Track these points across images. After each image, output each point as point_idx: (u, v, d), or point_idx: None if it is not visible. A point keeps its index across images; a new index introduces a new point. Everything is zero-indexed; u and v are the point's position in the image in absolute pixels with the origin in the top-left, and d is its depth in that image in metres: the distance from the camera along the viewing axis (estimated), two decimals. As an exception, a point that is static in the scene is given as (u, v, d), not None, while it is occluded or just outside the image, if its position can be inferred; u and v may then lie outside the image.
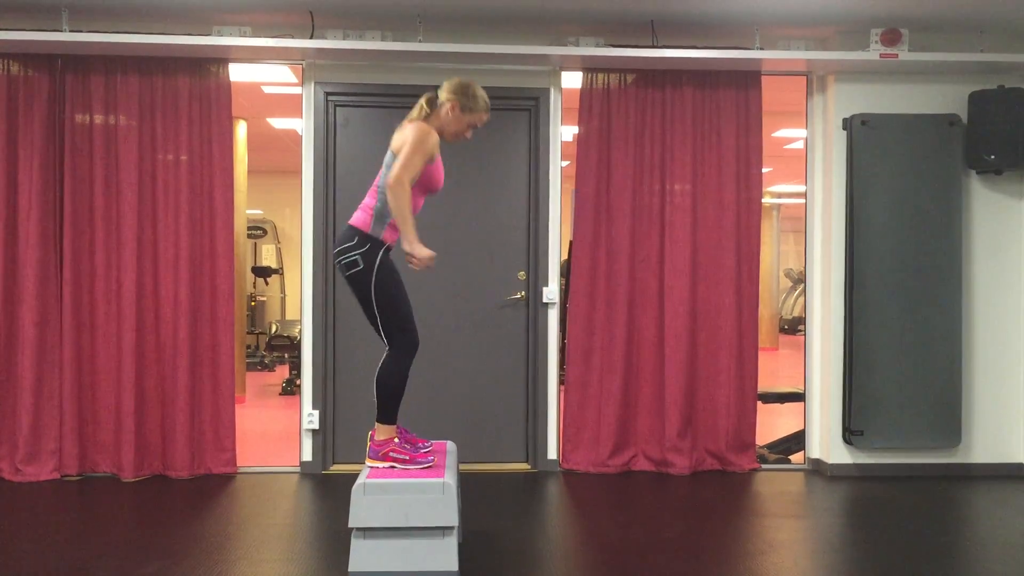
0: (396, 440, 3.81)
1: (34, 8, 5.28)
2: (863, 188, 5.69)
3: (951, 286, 5.71)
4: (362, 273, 3.73)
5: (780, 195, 15.11)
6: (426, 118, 3.84)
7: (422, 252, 3.70)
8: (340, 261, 3.76)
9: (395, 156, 3.75)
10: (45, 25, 5.36)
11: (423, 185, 3.80)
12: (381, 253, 3.75)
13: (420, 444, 3.94)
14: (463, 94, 3.82)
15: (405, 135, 3.74)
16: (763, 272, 12.05)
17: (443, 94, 3.83)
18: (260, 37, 5.41)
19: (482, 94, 3.87)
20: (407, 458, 3.77)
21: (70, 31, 5.27)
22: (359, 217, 3.79)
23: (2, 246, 5.44)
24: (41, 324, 5.47)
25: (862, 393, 5.68)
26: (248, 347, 10.89)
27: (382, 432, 3.81)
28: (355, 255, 3.72)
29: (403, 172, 3.65)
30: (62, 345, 5.49)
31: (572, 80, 5.89)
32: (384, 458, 3.77)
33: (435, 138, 3.76)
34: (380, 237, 3.75)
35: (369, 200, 3.80)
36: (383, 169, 3.81)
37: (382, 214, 3.74)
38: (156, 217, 5.56)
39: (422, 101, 3.87)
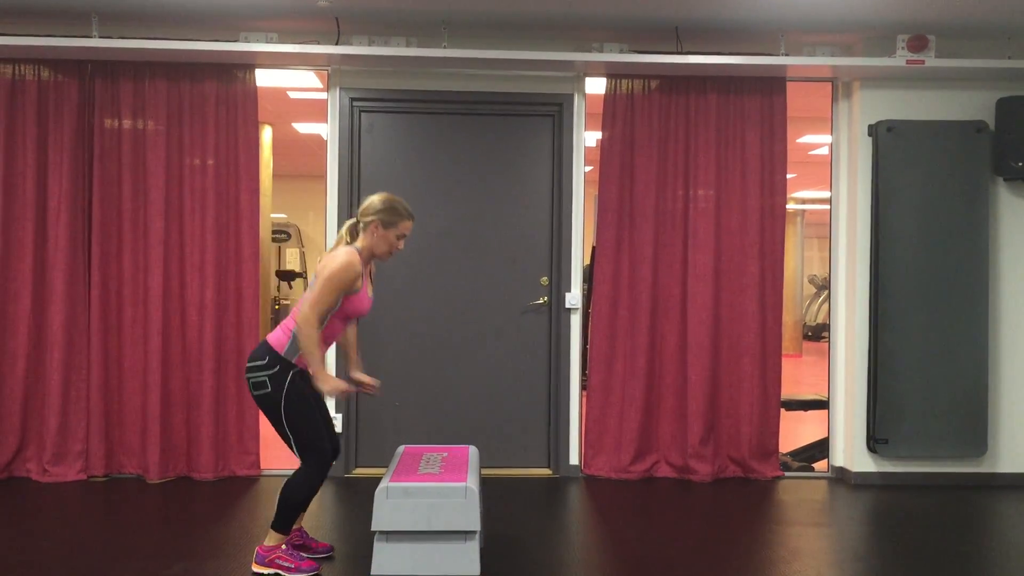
0: (283, 547, 3.85)
1: (64, 14, 5.36)
2: (888, 195, 5.65)
3: (977, 293, 5.66)
4: (270, 395, 3.73)
5: (804, 201, 15.03)
6: (351, 242, 3.85)
7: (330, 385, 3.71)
8: (249, 379, 3.76)
9: (313, 280, 3.76)
10: (75, 31, 5.43)
11: (343, 314, 3.80)
12: (291, 375, 3.74)
13: (319, 548, 4.02)
14: (382, 211, 3.82)
15: (325, 265, 3.73)
16: (787, 278, 11.99)
17: (364, 217, 3.83)
18: (286, 43, 5.46)
19: (400, 204, 3.86)
20: (292, 566, 3.79)
21: (100, 37, 5.33)
22: (277, 336, 3.79)
23: (32, 249, 5.51)
24: (69, 326, 5.53)
25: (887, 401, 5.64)
26: (272, 350, 10.93)
27: (271, 538, 3.85)
28: (263, 376, 3.72)
29: (311, 309, 3.66)
30: (89, 347, 5.55)
31: (596, 86, 5.89)
32: (270, 564, 3.80)
33: (354, 272, 3.72)
34: (292, 360, 3.76)
35: (289, 321, 3.80)
36: (305, 293, 3.81)
37: (295, 340, 3.75)
38: (183, 221, 5.61)
39: (343, 231, 3.89)
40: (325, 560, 4.02)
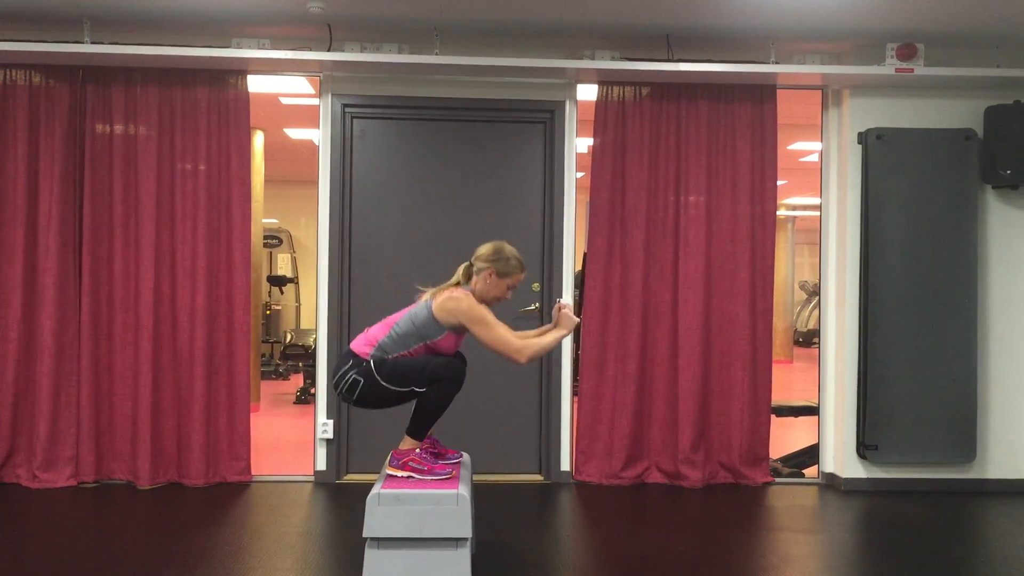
0: (418, 451, 3.85)
1: (56, 20, 5.35)
2: (878, 202, 5.69)
3: (966, 301, 5.69)
4: (365, 383, 3.81)
5: (795, 207, 15.08)
6: (462, 284, 3.98)
7: (567, 325, 3.95)
8: (341, 390, 3.84)
9: (431, 312, 3.82)
10: (67, 37, 5.42)
11: (436, 344, 3.87)
12: (373, 363, 3.81)
13: (450, 455, 4.00)
14: (497, 260, 3.92)
15: (448, 308, 3.81)
16: (777, 284, 12.02)
17: (479, 263, 3.94)
18: (278, 49, 5.46)
19: (514, 253, 3.97)
20: (425, 468, 3.80)
21: (91, 43, 5.33)
22: (360, 347, 3.88)
23: (22, 254, 5.50)
24: (59, 332, 5.52)
25: (877, 407, 5.66)
26: (263, 356, 10.94)
27: (406, 443, 3.89)
28: (351, 375, 3.81)
29: (506, 346, 3.81)
30: (80, 353, 5.54)
31: (587, 93, 5.91)
32: (403, 467, 3.81)
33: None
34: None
35: (378, 333, 3.89)
36: (409, 311, 3.90)
37: (384, 349, 3.83)
38: (174, 227, 5.61)
39: (459, 272, 4.00)
40: (455, 464, 3.97)
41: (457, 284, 3.99)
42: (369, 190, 5.85)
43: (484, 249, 3.97)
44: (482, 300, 3.94)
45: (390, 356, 3.83)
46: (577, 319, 4.00)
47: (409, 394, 3.85)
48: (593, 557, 4.35)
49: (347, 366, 3.83)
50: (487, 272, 3.91)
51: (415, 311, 3.89)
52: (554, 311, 4.07)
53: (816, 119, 6.13)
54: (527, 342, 3.86)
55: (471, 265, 3.98)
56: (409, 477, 3.78)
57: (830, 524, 5.06)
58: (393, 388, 3.81)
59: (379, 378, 3.79)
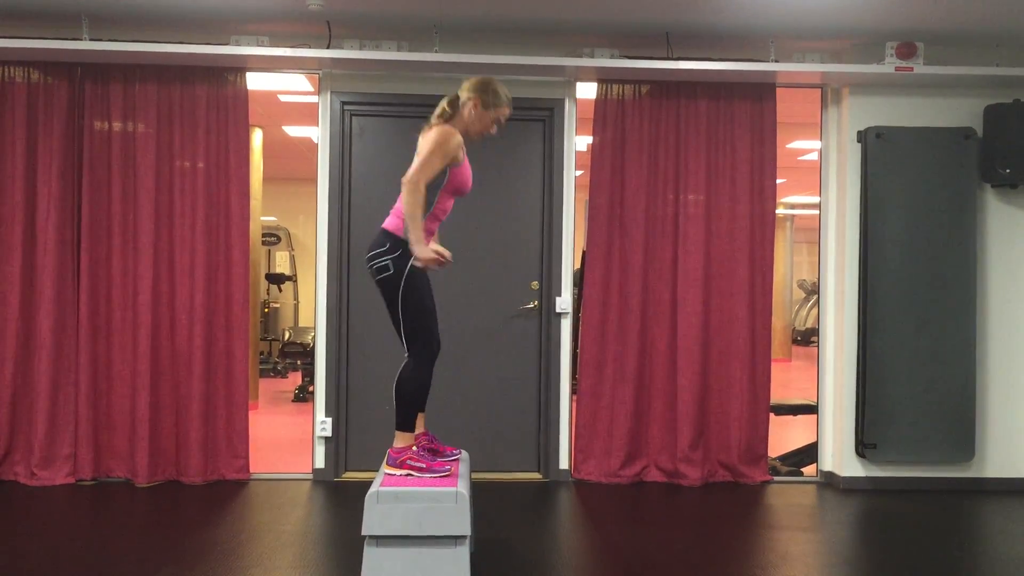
0: (414, 448, 3.81)
1: (54, 17, 5.34)
2: (877, 201, 5.68)
3: (965, 300, 5.69)
4: (392, 278, 3.72)
5: (794, 206, 15.07)
6: (448, 119, 3.83)
7: (423, 253, 3.66)
8: (372, 266, 3.74)
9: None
10: (65, 34, 5.41)
11: (451, 187, 3.79)
12: (412, 259, 3.72)
13: (448, 452, 3.96)
14: (483, 91, 3.81)
15: (428, 136, 3.74)
16: (776, 283, 12.02)
17: (463, 93, 3.83)
18: (277, 47, 5.45)
19: (503, 89, 3.86)
20: (423, 466, 3.75)
21: (90, 40, 5.32)
22: (392, 221, 3.77)
23: (20, 252, 5.49)
24: (57, 330, 5.51)
25: (875, 406, 5.66)
26: (261, 354, 10.93)
27: (400, 440, 3.80)
28: (386, 260, 3.71)
29: (419, 172, 3.65)
30: (78, 351, 5.53)
31: (587, 91, 5.91)
32: (401, 466, 3.75)
33: (457, 140, 3.73)
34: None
35: (399, 204, 3.78)
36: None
37: None
38: (172, 224, 5.60)
39: (443, 103, 3.86)
40: (454, 461, 3.94)
41: (439, 120, 3.83)
42: (368, 188, 5.84)
43: (470, 80, 3.84)
44: (466, 133, 3.83)
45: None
46: (428, 255, 3.65)
47: (397, 322, 3.75)
48: (592, 555, 4.34)
49: (384, 248, 3.71)
50: (472, 102, 3.80)
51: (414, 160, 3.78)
52: (436, 246, 3.82)
53: (815, 117, 6.13)
54: (415, 197, 3.61)
55: (457, 97, 3.85)
56: (408, 475, 3.73)
57: (828, 522, 5.06)
58: (399, 305, 3.71)
59: (403, 286, 3.70)
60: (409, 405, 3.80)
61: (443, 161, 3.70)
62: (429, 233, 3.81)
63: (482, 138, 3.89)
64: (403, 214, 3.68)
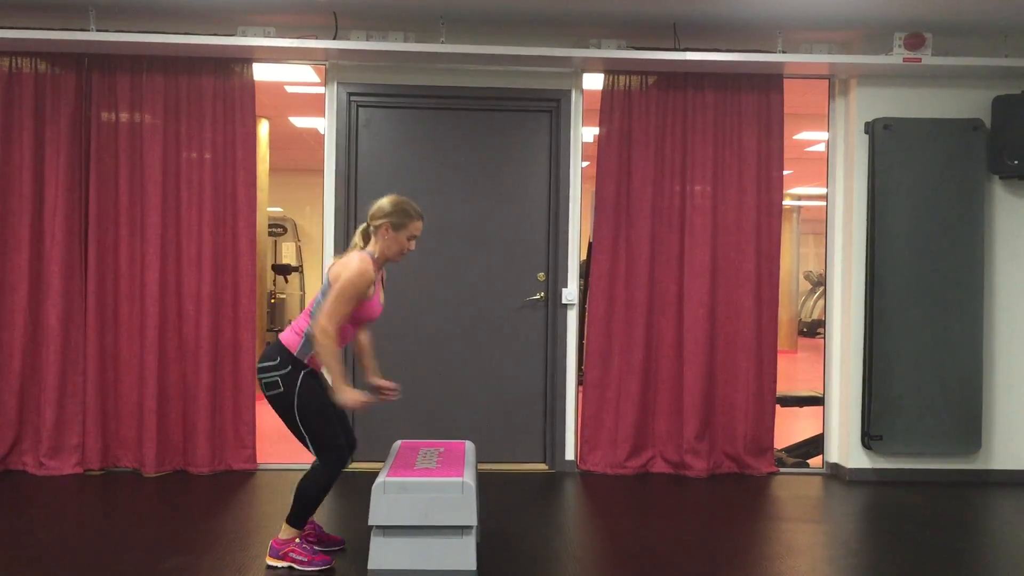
0: (297, 541, 3.86)
1: (61, 8, 5.34)
2: (884, 192, 5.67)
3: (972, 291, 5.68)
4: (283, 395, 3.74)
5: (801, 197, 15.04)
6: (364, 246, 3.86)
7: (349, 397, 3.70)
8: (261, 380, 3.76)
9: (328, 283, 3.74)
10: (72, 24, 5.41)
11: (355, 319, 3.79)
12: (303, 374, 3.74)
13: (331, 540, 4.05)
14: (392, 214, 3.81)
15: (338, 273, 3.72)
16: (783, 274, 11.99)
17: (374, 221, 3.83)
18: (284, 38, 5.45)
19: (410, 205, 3.85)
20: (305, 559, 3.81)
21: (97, 30, 5.32)
22: (289, 337, 3.79)
23: (28, 243, 5.51)
24: (65, 320, 5.53)
25: (882, 398, 5.66)
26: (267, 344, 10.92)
27: (285, 532, 3.87)
28: (275, 376, 3.73)
29: (328, 321, 3.65)
30: (86, 341, 5.55)
31: (594, 82, 5.89)
32: (284, 558, 3.83)
33: (368, 278, 3.71)
34: (305, 360, 3.77)
35: (302, 322, 3.81)
36: (318, 295, 3.82)
37: (311, 340, 3.73)
38: (179, 215, 5.61)
39: (356, 236, 3.90)
40: (338, 553, 4.02)
41: (355, 250, 3.86)
42: (374, 179, 5.84)
43: (376, 206, 3.84)
44: (385, 258, 3.84)
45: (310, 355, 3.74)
46: (353, 400, 3.73)
47: (300, 435, 3.78)
48: (597, 546, 4.35)
49: (275, 361, 3.73)
50: (383, 228, 3.80)
51: (322, 289, 3.81)
52: (374, 380, 3.97)
53: (823, 108, 6.11)
54: (330, 343, 3.64)
55: (368, 227, 3.86)
56: (290, 568, 3.79)
57: (834, 514, 5.07)
58: (297, 419, 3.74)
59: (296, 400, 3.72)
60: (306, 505, 3.85)
61: (352, 304, 3.69)
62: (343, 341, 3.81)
63: (402, 258, 3.89)
64: (321, 360, 3.70)
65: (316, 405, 3.77)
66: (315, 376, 3.83)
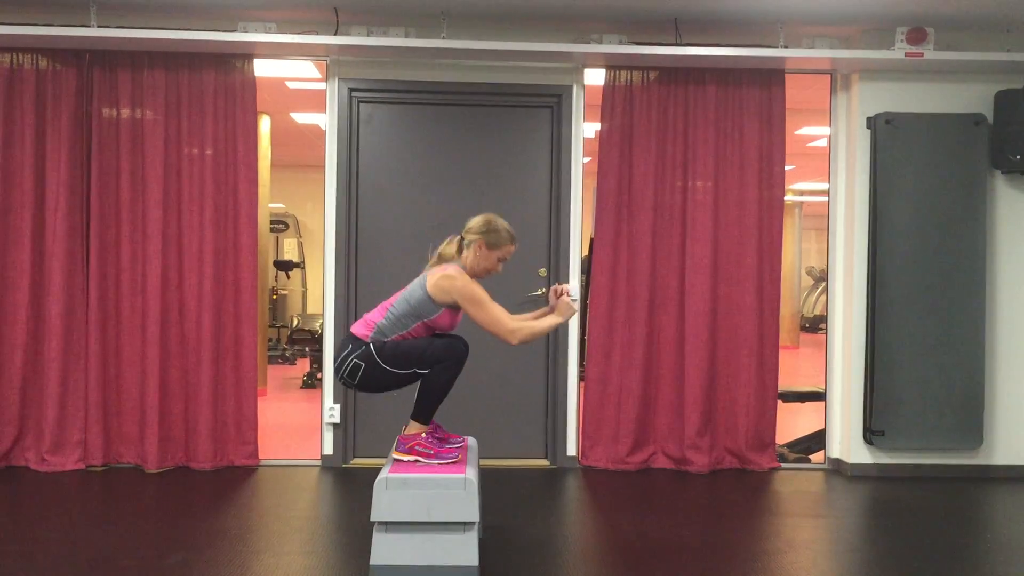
0: (423, 436, 3.86)
1: (63, 4, 5.34)
2: (887, 187, 5.66)
3: (974, 286, 5.67)
4: (369, 368, 3.78)
5: (802, 193, 15.03)
6: (451, 260, 3.94)
7: (563, 313, 3.90)
8: (342, 374, 3.82)
9: (426, 290, 3.78)
10: (73, 20, 5.41)
11: (434, 324, 3.85)
12: (371, 345, 3.79)
13: (452, 439, 4.00)
14: (487, 231, 3.90)
15: (444, 287, 3.77)
16: (784, 270, 11.99)
17: (469, 235, 3.91)
18: (285, 33, 5.44)
19: (504, 226, 3.94)
20: (431, 452, 3.81)
21: (98, 27, 5.32)
22: (359, 329, 3.86)
23: (30, 239, 5.51)
24: (67, 316, 5.53)
25: (883, 393, 5.65)
26: (269, 340, 10.96)
27: (412, 427, 3.88)
28: (352, 360, 3.79)
29: (502, 328, 3.80)
30: (88, 337, 5.55)
31: (595, 77, 5.89)
32: (410, 451, 3.83)
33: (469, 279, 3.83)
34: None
35: (376, 315, 3.87)
36: (404, 291, 3.87)
37: (382, 332, 3.80)
38: (181, 211, 5.61)
39: (450, 246, 3.98)
40: (459, 448, 3.97)
41: (449, 259, 3.95)
42: (376, 175, 5.84)
43: (474, 222, 3.94)
44: (473, 274, 3.90)
45: (389, 338, 3.80)
46: (575, 308, 3.93)
47: (411, 376, 3.83)
48: (599, 541, 4.36)
49: (347, 350, 3.81)
50: (477, 244, 3.89)
51: (410, 291, 3.86)
52: (551, 295, 4.02)
53: (825, 104, 6.10)
54: (521, 324, 3.84)
55: (462, 239, 3.95)
56: (416, 461, 3.78)
57: (836, 509, 5.07)
58: (395, 371, 3.79)
59: (380, 361, 3.77)
60: (431, 400, 3.86)
61: (485, 296, 3.80)
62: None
63: (488, 276, 3.96)
64: (529, 341, 3.86)
65: (392, 349, 3.78)
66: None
